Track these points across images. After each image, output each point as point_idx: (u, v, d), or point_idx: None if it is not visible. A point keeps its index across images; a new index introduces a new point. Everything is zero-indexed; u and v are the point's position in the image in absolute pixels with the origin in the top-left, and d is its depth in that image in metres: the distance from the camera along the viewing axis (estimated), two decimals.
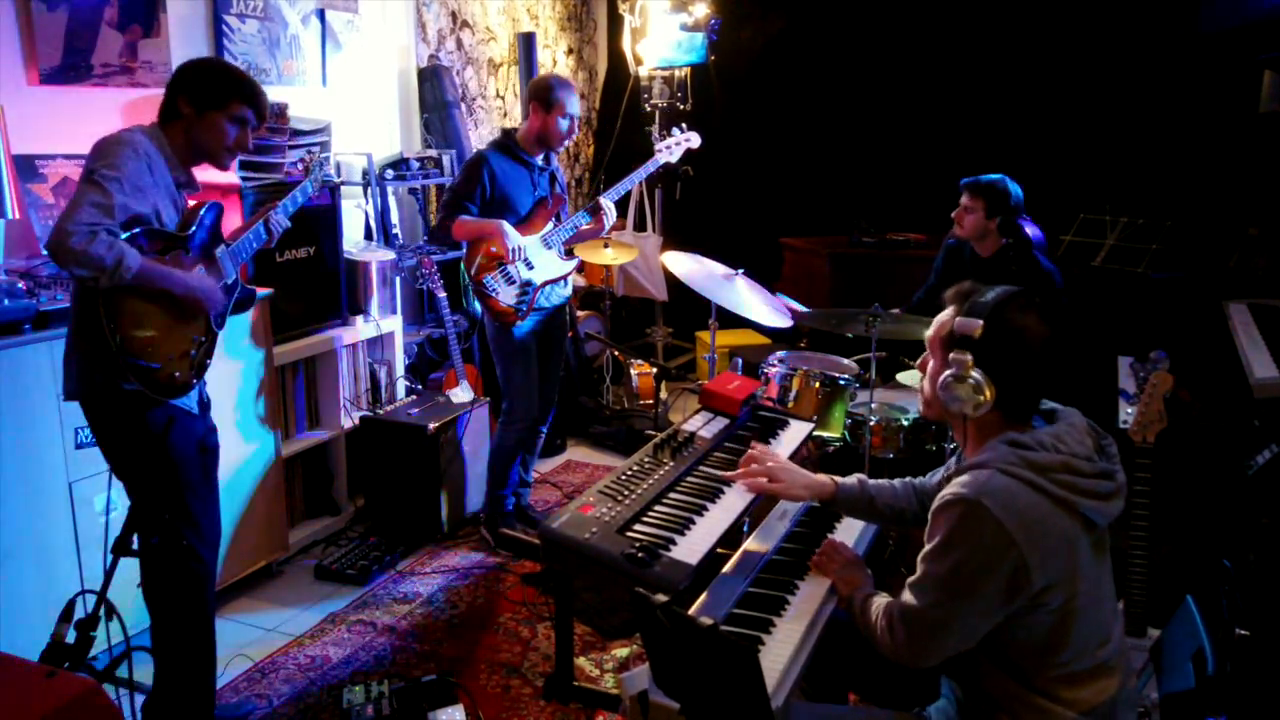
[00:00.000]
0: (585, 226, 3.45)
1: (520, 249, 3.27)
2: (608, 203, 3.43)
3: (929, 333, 1.70)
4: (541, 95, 3.33)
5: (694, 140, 3.73)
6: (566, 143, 3.41)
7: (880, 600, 1.72)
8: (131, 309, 2.09)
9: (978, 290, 1.63)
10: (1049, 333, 1.58)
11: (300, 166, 3.34)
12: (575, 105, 3.35)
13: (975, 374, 1.56)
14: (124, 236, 2.03)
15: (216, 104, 2.22)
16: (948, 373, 1.59)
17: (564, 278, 3.49)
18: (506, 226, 3.25)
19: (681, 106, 5.47)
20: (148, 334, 2.13)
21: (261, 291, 3.17)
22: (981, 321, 1.56)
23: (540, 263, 3.38)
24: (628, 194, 5.66)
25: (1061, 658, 1.54)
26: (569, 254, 3.59)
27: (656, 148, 3.68)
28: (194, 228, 2.25)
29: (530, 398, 3.48)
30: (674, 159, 3.69)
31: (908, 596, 1.61)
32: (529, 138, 3.37)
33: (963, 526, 1.50)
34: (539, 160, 3.43)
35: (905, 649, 1.60)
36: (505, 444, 3.52)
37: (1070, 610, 1.52)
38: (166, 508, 2.22)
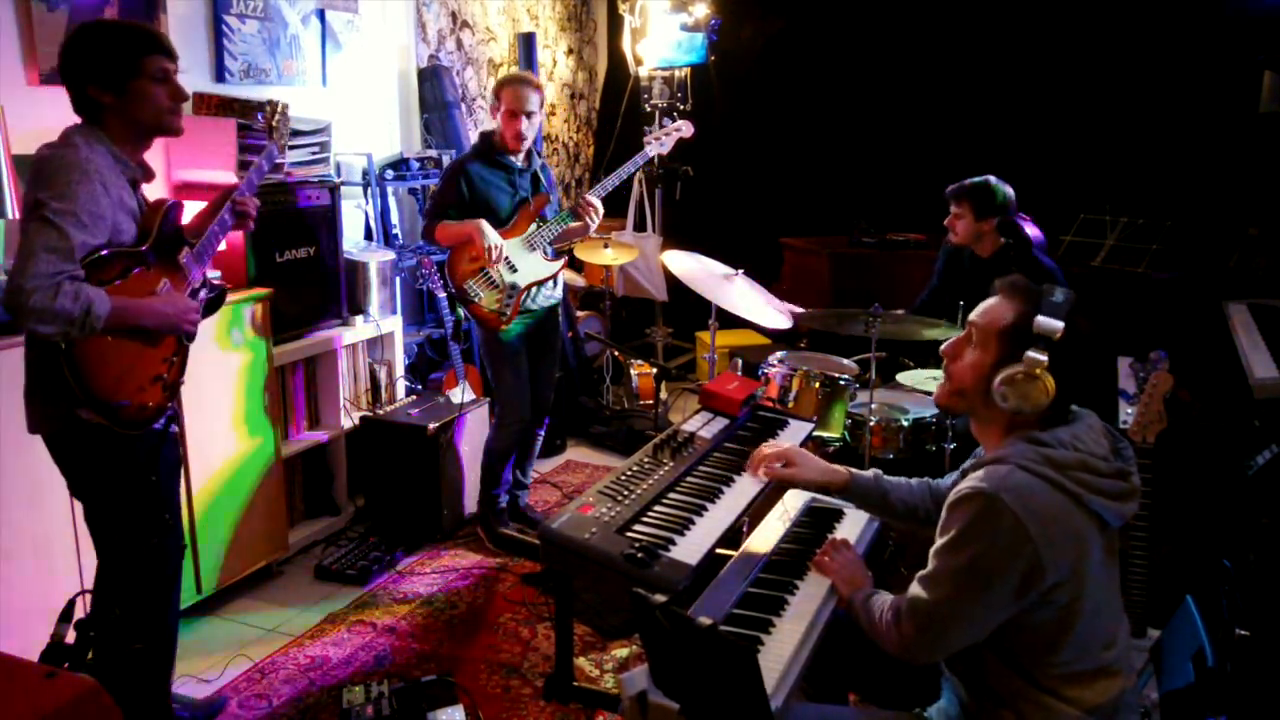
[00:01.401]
0: (572, 225, 3.42)
1: (499, 248, 3.24)
2: (592, 200, 3.38)
3: (979, 321, 1.64)
4: (493, 95, 3.35)
5: (685, 129, 3.64)
6: (523, 143, 3.32)
7: (883, 598, 1.72)
8: (95, 353, 1.95)
9: (1044, 289, 1.59)
10: (1098, 338, 1.59)
11: (262, 122, 2.74)
12: (523, 100, 3.25)
13: (1048, 377, 1.53)
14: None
15: (131, 72, 1.97)
16: (1016, 369, 1.55)
17: (551, 279, 3.44)
18: (484, 225, 3.23)
19: (681, 107, 5.46)
20: (112, 373, 1.99)
21: (261, 292, 3.17)
22: (1064, 324, 1.53)
23: (524, 265, 3.35)
24: (627, 193, 5.69)
25: (1063, 656, 1.54)
26: (557, 254, 3.55)
27: (645, 140, 3.61)
28: (151, 239, 2.08)
29: (521, 400, 3.46)
30: (665, 150, 3.62)
31: (917, 590, 1.60)
32: (502, 139, 3.35)
33: (980, 520, 1.50)
34: (518, 161, 3.38)
35: (914, 644, 1.60)
36: (497, 446, 3.51)
37: (1076, 610, 1.52)
38: (162, 510, 2.20)
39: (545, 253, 3.43)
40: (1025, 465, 1.52)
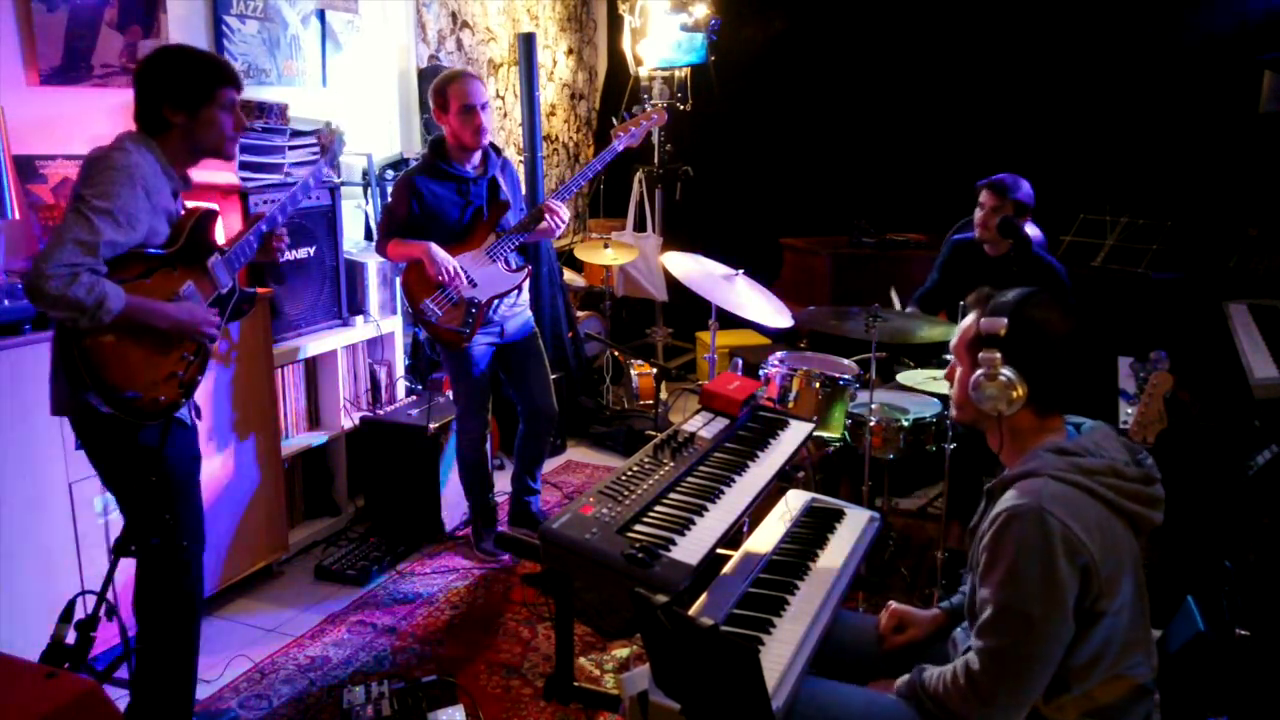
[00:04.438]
0: (536, 228, 3.26)
1: (455, 269, 3.13)
2: (554, 204, 3.23)
3: (953, 340, 1.72)
4: (436, 99, 3.19)
5: (656, 119, 3.55)
6: (486, 136, 3.18)
7: (935, 670, 1.63)
8: (106, 345, 2.03)
9: (997, 293, 1.66)
10: (1073, 325, 1.61)
11: (315, 143, 2.87)
12: (474, 93, 3.12)
13: (1006, 371, 1.58)
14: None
15: (205, 99, 2.13)
16: (979, 373, 1.60)
17: (514, 290, 3.31)
18: (434, 250, 3.11)
19: (681, 107, 5.47)
20: (125, 366, 2.06)
21: (261, 292, 3.17)
22: (1006, 320, 1.59)
23: (483, 278, 3.22)
24: (627, 194, 5.69)
25: (1103, 668, 1.52)
26: (521, 264, 3.37)
27: (614, 133, 3.47)
28: (180, 243, 2.17)
29: (477, 413, 3.41)
30: (635, 142, 3.49)
31: (985, 641, 1.52)
32: (453, 146, 3.22)
33: (1032, 538, 1.47)
34: (472, 169, 3.25)
35: (998, 698, 1.50)
36: (460, 455, 3.48)
37: (1119, 616, 1.51)
38: (162, 511, 2.20)
39: (507, 263, 3.28)
40: (1058, 475, 1.51)
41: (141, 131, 2.14)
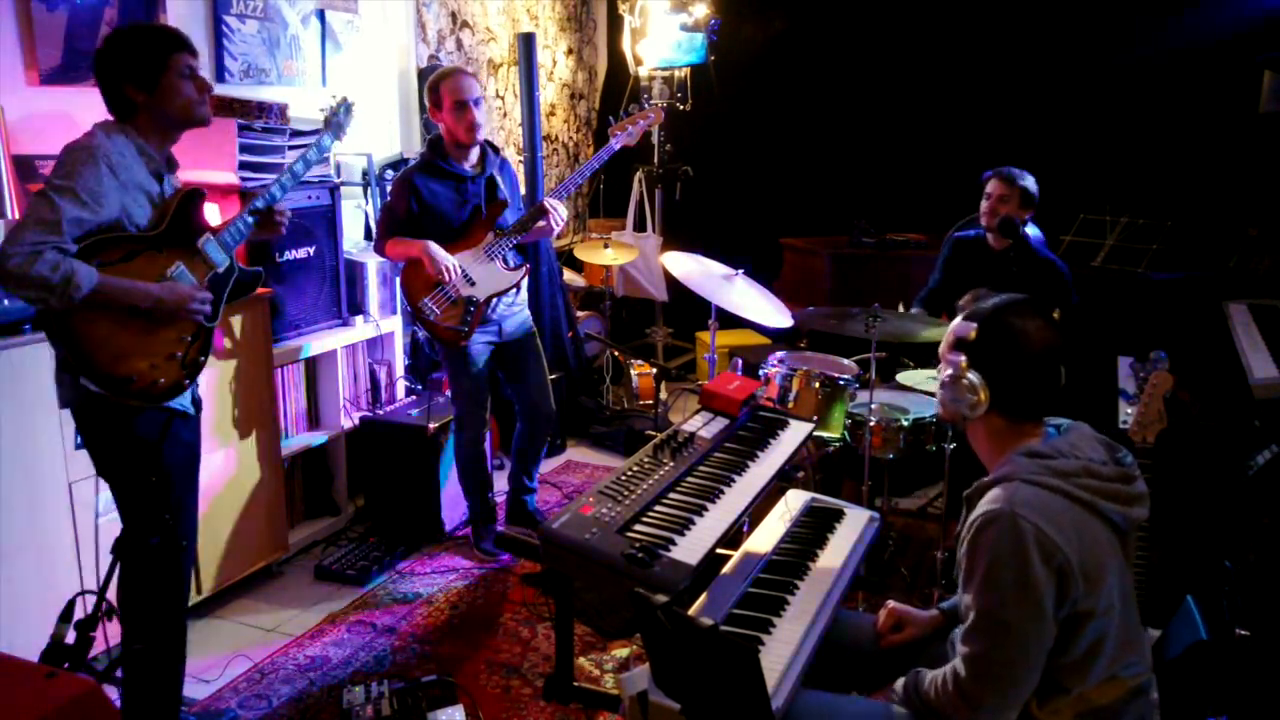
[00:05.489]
0: (535, 226, 3.27)
1: (454, 267, 3.15)
2: (552, 202, 3.25)
3: (943, 343, 1.73)
4: (430, 96, 3.21)
5: (653, 118, 3.56)
6: (479, 131, 3.20)
7: (930, 674, 1.64)
8: (95, 327, 2.03)
9: (983, 297, 1.67)
10: (1050, 337, 1.61)
11: (321, 115, 2.96)
12: (466, 89, 3.15)
13: (970, 375, 1.59)
14: (76, 251, 1.96)
15: (161, 69, 2.11)
16: (945, 374, 1.63)
17: (512, 288, 3.32)
18: (433, 248, 3.13)
19: (681, 107, 5.47)
20: (117, 348, 2.06)
21: (261, 292, 3.17)
22: (976, 325, 1.61)
23: (481, 277, 3.23)
24: (627, 193, 5.69)
25: (1098, 668, 1.52)
26: (519, 262, 3.37)
27: (611, 131, 3.49)
28: (164, 224, 2.16)
29: (477, 412, 3.41)
30: (633, 141, 3.50)
31: (968, 647, 1.54)
32: (450, 144, 3.24)
33: (1005, 543, 1.48)
34: (470, 168, 3.27)
35: (985, 702, 1.51)
36: (460, 455, 3.49)
37: (1108, 620, 1.51)
38: (161, 511, 2.20)
39: (505, 262, 3.29)
40: (1030, 479, 1.52)
41: (114, 120, 2.15)
